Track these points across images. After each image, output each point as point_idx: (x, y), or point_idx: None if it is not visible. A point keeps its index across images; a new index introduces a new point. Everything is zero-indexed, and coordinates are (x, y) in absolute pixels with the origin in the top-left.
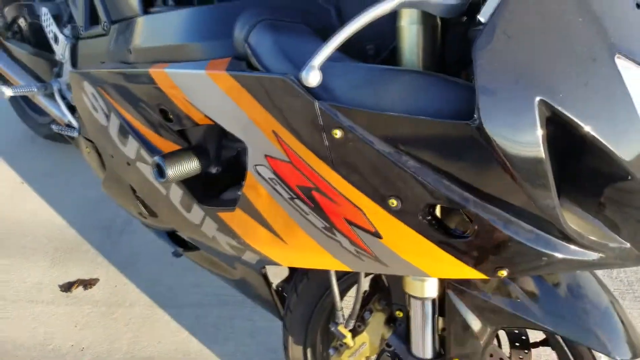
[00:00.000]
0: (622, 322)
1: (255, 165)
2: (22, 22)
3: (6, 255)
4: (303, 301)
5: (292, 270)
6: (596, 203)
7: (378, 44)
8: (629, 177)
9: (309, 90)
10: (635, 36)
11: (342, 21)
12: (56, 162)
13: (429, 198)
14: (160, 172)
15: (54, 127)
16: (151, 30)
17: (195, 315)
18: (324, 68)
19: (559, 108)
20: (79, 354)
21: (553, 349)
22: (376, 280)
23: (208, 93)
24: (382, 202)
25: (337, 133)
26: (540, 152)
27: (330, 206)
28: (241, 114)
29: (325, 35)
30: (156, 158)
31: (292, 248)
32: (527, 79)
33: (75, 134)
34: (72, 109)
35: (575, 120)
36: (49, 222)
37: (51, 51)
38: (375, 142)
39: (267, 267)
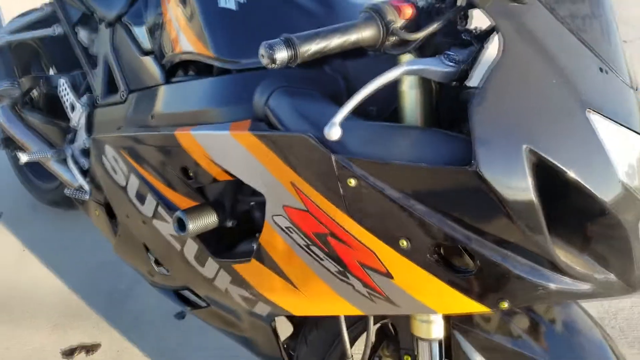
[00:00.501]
0: (616, 355)
1: (273, 215)
2: (35, 92)
3: (7, 320)
4: (313, 352)
5: (299, 325)
6: (582, 238)
7: (379, 106)
8: (606, 213)
9: (325, 145)
10: (600, 94)
11: (348, 87)
12: (57, 229)
13: (435, 238)
14: (181, 225)
15: (66, 191)
16: (174, 97)
17: None
18: (338, 130)
19: (543, 154)
20: None
21: None
22: (383, 329)
23: (231, 151)
24: (393, 243)
25: (352, 182)
26: (530, 193)
27: (345, 250)
28: (262, 168)
29: (334, 98)
30: (178, 213)
31: (306, 296)
32: (516, 130)
33: (86, 197)
34: (84, 174)
35: (558, 164)
36: (51, 288)
37: (62, 119)
38: (386, 188)
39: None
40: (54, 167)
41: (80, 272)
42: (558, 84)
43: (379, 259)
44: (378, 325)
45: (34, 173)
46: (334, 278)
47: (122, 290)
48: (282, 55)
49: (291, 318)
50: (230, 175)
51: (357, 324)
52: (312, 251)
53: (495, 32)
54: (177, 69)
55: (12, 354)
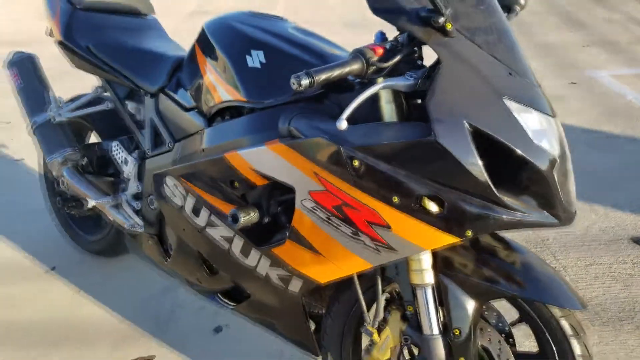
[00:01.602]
0: (566, 284)
1: (302, 200)
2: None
3: (69, 350)
4: (336, 322)
5: (323, 303)
6: (520, 186)
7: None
8: (527, 165)
9: (335, 142)
10: (511, 89)
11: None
12: (104, 274)
13: (415, 192)
14: (234, 219)
15: (125, 226)
16: (218, 134)
17: None
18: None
19: (478, 126)
20: None
21: (519, 311)
22: (390, 293)
23: (268, 160)
24: (388, 201)
25: (356, 163)
26: (473, 153)
27: (355, 214)
28: (291, 167)
29: (334, 119)
30: (232, 210)
31: (329, 260)
32: (457, 112)
33: (140, 231)
34: (136, 213)
35: (488, 132)
36: (104, 320)
37: (109, 176)
38: (379, 163)
39: None
40: (111, 211)
41: (127, 305)
42: (481, 83)
43: (380, 215)
44: (387, 292)
45: (79, 226)
46: (349, 239)
47: (166, 314)
48: (305, 82)
49: (317, 297)
50: (267, 178)
51: (369, 291)
52: (332, 221)
53: (438, 57)
54: (215, 117)
55: None
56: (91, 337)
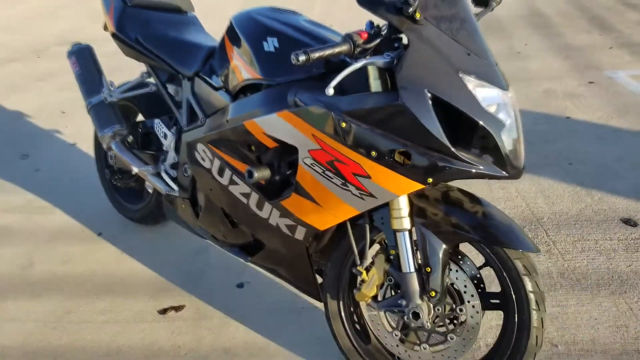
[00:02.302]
0: (521, 231)
1: (303, 158)
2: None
3: (114, 297)
4: (335, 265)
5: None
6: (477, 144)
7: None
8: (479, 127)
9: (328, 109)
10: (468, 66)
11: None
12: (144, 239)
13: (388, 147)
14: (250, 175)
15: (163, 192)
16: (240, 107)
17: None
18: (333, 99)
19: (437, 94)
20: (177, 350)
21: (483, 255)
22: (379, 243)
23: (278, 125)
24: (369, 155)
25: (343, 124)
26: (432, 114)
27: (343, 167)
28: (295, 131)
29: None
30: (248, 167)
31: (325, 210)
32: (419, 82)
33: (176, 194)
34: (173, 180)
35: (446, 99)
36: (143, 274)
37: (150, 150)
38: (360, 124)
39: None
40: (151, 178)
41: (163, 264)
42: (441, 61)
43: (362, 167)
44: (376, 241)
45: (124, 198)
46: (340, 189)
47: (196, 272)
48: (302, 57)
49: (320, 254)
50: (277, 141)
51: (361, 240)
52: (326, 174)
53: (407, 39)
54: (238, 94)
55: (122, 316)
56: (131, 288)
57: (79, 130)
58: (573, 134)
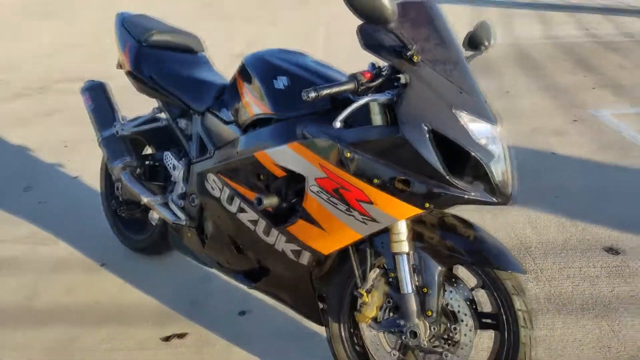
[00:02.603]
0: (510, 254)
1: (310, 186)
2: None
3: (120, 325)
4: (336, 288)
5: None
6: (468, 173)
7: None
8: (472, 157)
9: (335, 141)
10: (459, 102)
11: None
12: (146, 269)
13: (390, 174)
14: (258, 202)
15: (170, 221)
16: (250, 140)
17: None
18: (338, 131)
19: (434, 128)
20: None
21: (476, 277)
22: (379, 267)
23: (288, 156)
24: (371, 182)
25: (348, 155)
26: (429, 147)
27: (348, 194)
28: (303, 160)
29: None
30: (257, 195)
31: (329, 235)
32: (418, 117)
33: (183, 223)
34: (181, 210)
35: (442, 132)
36: (148, 303)
37: (158, 182)
38: (364, 154)
39: None
40: (159, 208)
41: (166, 293)
42: (437, 98)
43: (365, 194)
44: (376, 265)
45: (127, 229)
46: (344, 214)
47: (199, 301)
48: (312, 95)
49: (323, 281)
50: (285, 171)
51: (362, 264)
52: (332, 200)
53: (406, 78)
54: (248, 128)
55: (126, 344)
56: (135, 317)
57: (81, 163)
58: (558, 169)
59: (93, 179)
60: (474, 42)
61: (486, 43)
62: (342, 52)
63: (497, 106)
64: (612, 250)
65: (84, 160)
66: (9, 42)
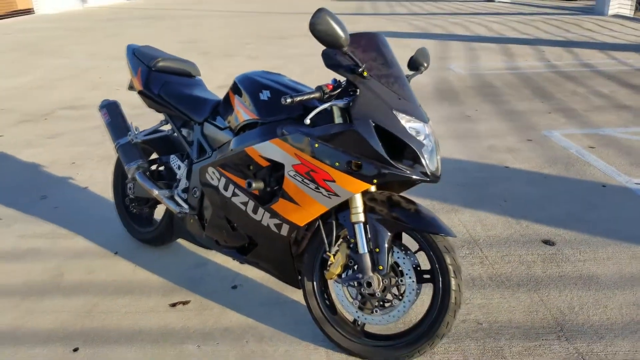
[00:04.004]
0: (442, 222)
1: (288, 171)
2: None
3: (131, 295)
4: (310, 254)
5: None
6: (407, 157)
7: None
8: (408, 145)
9: (306, 135)
10: (400, 106)
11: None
12: (155, 255)
13: (346, 158)
14: (249, 185)
15: (175, 212)
16: (241, 140)
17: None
18: (309, 129)
19: (378, 123)
20: (186, 329)
21: (416, 241)
22: (343, 238)
23: (270, 149)
24: (334, 165)
25: (317, 145)
26: (374, 136)
27: (316, 175)
28: (282, 152)
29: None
30: (248, 179)
31: (303, 209)
32: (367, 115)
33: (186, 212)
34: (184, 201)
35: (385, 127)
36: (156, 280)
37: (162, 179)
38: (328, 144)
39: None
40: (166, 201)
41: (171, 273)
42: (381, 103)
43: (329, 174)
44: (341, 236)
45: (136, 223)
46: (314, 192)
47: (198, 278)
48: (289, 100)
49: (299, 248)
50: (269, 161)
51: (330, 234)
52: (305, 182)
53: (357, 88)
54: (239, 131)
55: (140, 308)
56: (146, 290)
57: (89, 177)
58: (509, 179)
59: (100, 189)
60: (414, 64)
61: (425, 65)
62: (313, 75)
63: (457, 129)
64: (549, 242)
65: (91, 174)
66: (8, 77)
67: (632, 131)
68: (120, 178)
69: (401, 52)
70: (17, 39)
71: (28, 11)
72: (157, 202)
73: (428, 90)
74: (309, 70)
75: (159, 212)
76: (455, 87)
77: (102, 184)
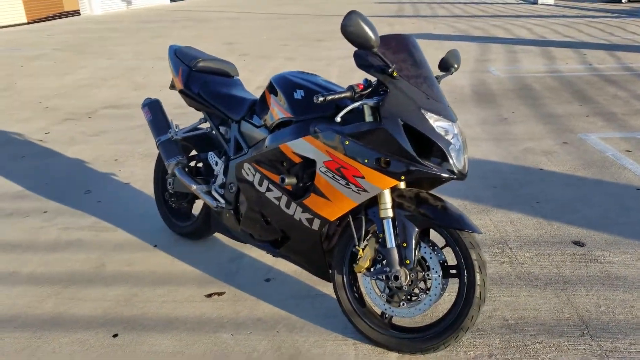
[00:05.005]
0: (469, 219)
1: (319, 167)
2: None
3: (170, 285)
4: (340, 248)
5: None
6: (435, 155)
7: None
8: (435, 145)
9: (337, 132)
10: (429, 106)
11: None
12: (192, 249)
13: (376, 156)
14: (282, 180)
15: (213, 207)
16: (276, 137)
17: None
18: (340, 127)
19: (408, 122)
20: (220, 318)
21: (443, 238)
22: (372, 233)
23: (303, 146)
24: (363, 162)
25: (347, 142)
26: (403, 134)
27: (347, 172)
28: (314, 149)
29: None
30: (281, 175)
31: (334, 204)
32: (396, 114)
33: (222, 206)
34: (221, 196)
35: (413, 126)
36: (193, 271)
37: (200, 175)
38: (358, 141)
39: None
40: (204, 196)
41: (207, 266)
42: (410, 102)
43: (359, 170)
44: (370, 231)
45: (175, 217)
46: (344, 187)
47: (233, 271)
48: (320, 99)
49: (330, 244)
50: (301, 157)
51: (359, 230)
52: (335, 178)
53: (387, 87)
54: (274, 129)
55: (177, 298)
56: (183, 281)
57: (131, 173)
58: (543, 181)
59: (141, 185)
60: (445, 65)
61: (455, 66)
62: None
63: (494, 131)
64: (579, 243)
65: (132, 171)
66: (54, 77)
67: None
68: (160, 173)
69: (440, 54)
70: (63, 40)
71: (75, 12)
72: (195, 197)
73: (466, 93)
74: (344, 74)
75: (197, 207)
76: (494, 90)
77: (143, 181)
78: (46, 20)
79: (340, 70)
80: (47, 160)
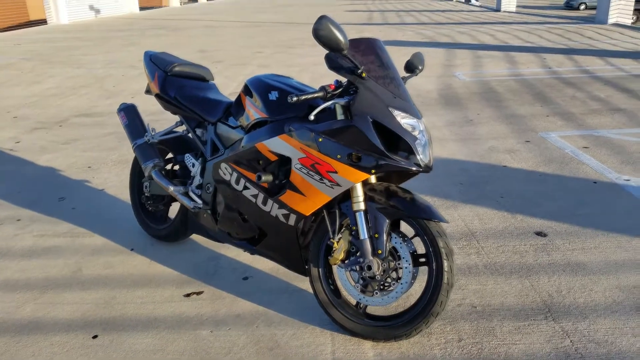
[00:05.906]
0: (436, 209)
1: (294, 164)
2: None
3: (148, 286)
4: (316, 241)
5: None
6: (402, 149)
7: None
8: (401, 138)
9: (310, 130)
10: (395, 104)
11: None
12: (169, 251)
13: (347, 151)
14: (259, 178)
15: (190, 207)
16: (252, 137)
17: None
18: (313, 125)
19: (376, 119)
20: (200, 317)
21: (412, 228)
22: (346, 226)
23: (279, 144)
24: (336, 157)
25: (320, 139)
26: (372, 131)
27: (320, 167)
28: (289, 146)
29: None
30: (258, 173)
31: (309, 199)
32: (366, 112)
33: (200, 207)
34: (198, 197)
35: (382, 123)
36: (171, 273)
37: (177, 177)
38: (330, 138)
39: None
40: (181, 197)
41: (185, 267)
42: (378, 101)
43: (332, 166)
44: (344, 225)
45: (151, 221)
46: (318, 182)
47: (211, 271)
48: (294, 99)
49: (305, 240)
50: (277, 155)
51: (334, 223)
52: (310, 174)
53: (357, 87)
54: (250, 129)
55: (156, 299)
56: (161, 282)
57: (105, 180)
58: (507, 177)
59: (116, 191)
60: (410, 67)
61: (420, 67)
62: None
63: (460, 131)
64: (541, 234)
65: (106, 177)
66: (22, 86)
67: (626, 132)
68: (136, 177)
69: (407, 59)
70: (31, 49)
71: (41, 22)
72: (171, 199)
73: (433, 97)
74: (316, 79)
75: (173, 211)
76: (460, 93)
77: (117, 187)
78: (11, 30)
79: (313, 76)
80: (19, 168)
